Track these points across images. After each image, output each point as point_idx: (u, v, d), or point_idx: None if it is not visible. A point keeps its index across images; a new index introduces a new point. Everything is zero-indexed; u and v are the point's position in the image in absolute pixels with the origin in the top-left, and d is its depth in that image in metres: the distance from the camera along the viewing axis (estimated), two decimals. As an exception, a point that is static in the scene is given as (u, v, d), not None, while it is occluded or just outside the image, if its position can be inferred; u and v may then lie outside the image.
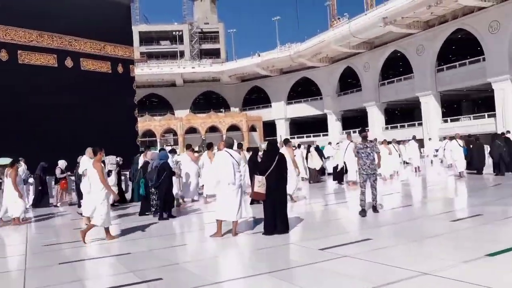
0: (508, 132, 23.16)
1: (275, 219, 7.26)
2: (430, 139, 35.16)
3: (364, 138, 8.89)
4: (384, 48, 45.79)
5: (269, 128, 59.08)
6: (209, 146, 13.31)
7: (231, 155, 7.40)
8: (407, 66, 43.91)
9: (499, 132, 35.48)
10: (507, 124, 35.27)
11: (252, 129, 57.80)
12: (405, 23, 39.84)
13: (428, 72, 41.23)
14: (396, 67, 46.90)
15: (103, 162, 8.89)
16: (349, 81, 53.19)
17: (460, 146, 16.18)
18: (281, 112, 59.22)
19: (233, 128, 56.13)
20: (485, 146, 18.39)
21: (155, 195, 10.27)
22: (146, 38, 74.81)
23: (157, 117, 57.57)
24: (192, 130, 56.06)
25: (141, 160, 12.14)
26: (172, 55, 70.00)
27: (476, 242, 6.00)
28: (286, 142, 12.21)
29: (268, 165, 7.39)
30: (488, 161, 17.60)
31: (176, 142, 54.76)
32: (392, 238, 6.69)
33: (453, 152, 16.43)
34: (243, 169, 8.34)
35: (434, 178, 18.23)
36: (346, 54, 49.83)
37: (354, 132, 47.33)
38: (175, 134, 56.69)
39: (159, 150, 11.93)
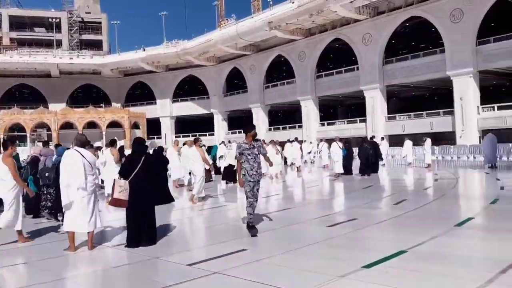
0: (374, 137, 25.32)
1: (139, 229, 6.32)
2: (311, 142, 36.50)
3: (253, 136, 7.48)
4: (269, 51, 46.76)
5: (154, 125, 56.96)
6: (113, 143, 12.12)
7: (82, 155, 6.32)
8: (290, 71, 45.35)
9: (369, 136, 38.75)
10: (375, 128, 38.17)
11: (135, 126, 55.18)
12: (289, 29, 41.03)
13: (309, 77, 43.01)
14: (280, 71, 48.27)
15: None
16: (235, 82, 53.48)
17: (340, 148, 16.78)
18: (166, 109, 57.47)
19: (114, 124, 52.98)
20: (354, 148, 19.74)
21: (48, 195, 9.22)
22: (18, 23, 67.58)
23: (28, 110, 52.00)
24: (68, 126, 51.70)
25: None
26: (48, 44, 64.00)
27: (352, 251, 5.74)
28: (196, 141, 11.82)
29: (133, 167, 6.39)
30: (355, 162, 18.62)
31: (50, 138, 49.94)
32: (268, 248, 6.16)
33: (333, 154, 17.06)
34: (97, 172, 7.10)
35: (312, 179, 18.62)
36: (233, 55, 50.00)
37: (240, 132, 48.09)
38: (49, 129, 51.76)
39: (55, 146, 10.92)
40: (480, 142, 31.72)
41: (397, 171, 21.01)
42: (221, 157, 20.19)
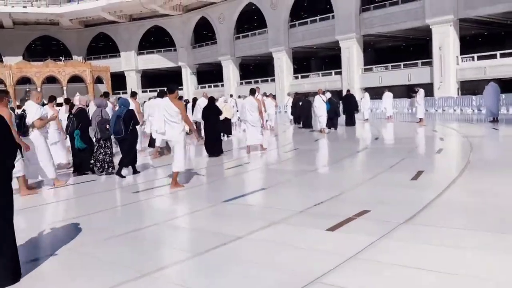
0: (348, 91, 23.79)
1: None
2: (288, 93, 34.41)
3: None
4: (239, -1, 43.51)
5: (118, 80, 53.37)
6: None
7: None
8: (262, 21, 42.46)
9: (344, 89, 37.04)
10: (351, 81, 36.41)
11: (99, 80, 51.49)
12: (260, -27, 37.91)
13: (282, 27, 40.35)
14: (252, 21, 45.19)
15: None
16: (204, 33, 50.12)
17: (324, 101, 15.21)
18: (131, 63, 53.78)
19: (76, 79, 49.10)
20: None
21: (103, 148, 8.92)
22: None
23: (-21, 64, 47.48)
24: (25, 81, 47.57)
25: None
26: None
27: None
28: (252, 92, 11.82)
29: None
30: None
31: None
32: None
33: (316, 108, 15.59)
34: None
35: (291, 136, 16.88)
36: (201, 3, 46.36)
37: (210, 86, 45.54)
38: (4, 84, 47.61)
39: (104, 95, 11.15)
40: (458, 94, 30.59)
41: (379, 125, 19.37)
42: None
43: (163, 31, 51.78)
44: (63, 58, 52.47)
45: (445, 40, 30.71)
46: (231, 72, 46.18)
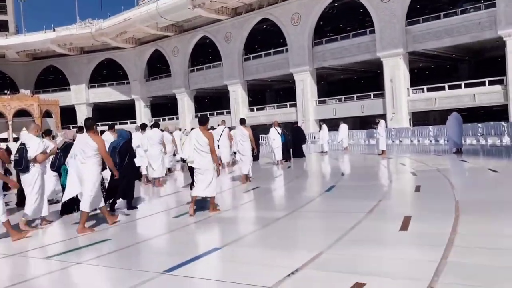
0: (296, 123, 23.22)
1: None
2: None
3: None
4: (193, 32, 42.37)
5: (69, 114, 50.34)
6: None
7: None
8: (217, 54, 41.41)
9: (299, 120, 36.23)
10: (306, 113, 35.69)
11: (47, 114, 48.28)
12: (213, 7, 37.04)
13: (236, 60, 39.45)
14: (206, 54, 44.07)
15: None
16: (158, 66, 48.44)
17: (279, 133, 13.99)
18: (82, 96, 50.97)
19: (23, 113, 45.85)
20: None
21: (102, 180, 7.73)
22: None
23: None
24: (-33, 115, 43.87)
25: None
26: None
27: None
28: (242, 122, 11.88)
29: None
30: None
31: None
32: None
33: (271, 140, 14.60)
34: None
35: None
36: (155, 36, 44.88)
37: (164, 119, 43.50)
38: None
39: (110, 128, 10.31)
40: (410, 125, 30.36)
41: (339, 158, 18.17)
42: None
43: (116, 64, 49.66)
44: (8, 92, 48.89)
45: (396, 72, 30.67)
46: (186, 104, 44.49)
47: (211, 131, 13.10)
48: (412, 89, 31.01)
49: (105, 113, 51.35)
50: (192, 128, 9.88)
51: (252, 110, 40.53)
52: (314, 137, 31.46)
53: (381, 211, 6.93)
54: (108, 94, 50.51)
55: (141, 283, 4.31)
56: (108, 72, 51.27)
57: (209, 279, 4.24)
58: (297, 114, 36.25)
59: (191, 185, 9.95)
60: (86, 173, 6.67)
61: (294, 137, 17.64)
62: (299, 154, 18.02)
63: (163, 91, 46.74)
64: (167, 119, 45.22)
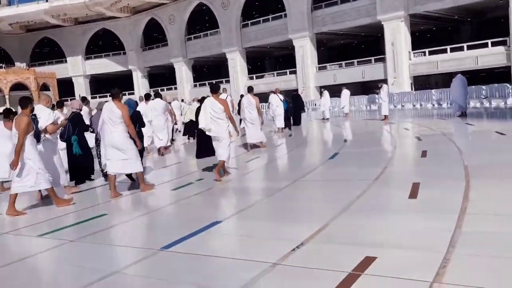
0: (296, 91, 22.75)
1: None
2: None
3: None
4: (189, -1, 41.15)
5: (66, 86, 49.55)
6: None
7: None
8: (214, 21, 40.36)
9: (300, 88, 35.69)
10: (306, 80, 35.09)
11: (44, 88, 47.48)
12: (209, -28, 35.83)
13: (234, 27, 38.46)
14: (203, 21, 42.97)
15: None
16: (154, 35, 47.31)
17: (281, 100, 13.65)
18: (78, 68, 50.09)
19: (19, 87, 45.05)
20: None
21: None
22: None
23: None
24: (-39, 90, 43.19)
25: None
26: None
27: None
28: (250, 90, 11.95)
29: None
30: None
31: None
32: None
33: (274, 107, 14.33)
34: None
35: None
36: (150, 4, 43.61)
37: (162, 90, 42.86)
38: None
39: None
40: (412, 89, 29.84)
41: (341, 124, 17.82)
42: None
43: (111, 34, 48.52)
44: (3, 65, 48.04)
45: (397, 36, 29.89)
46: (184, 74, 43.76)
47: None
48: (414, 53, 30.33)
49: (103, 85, 50.64)
50: (202, 98, 9.63)
51: (251, 78, 39.86)
52: (315, 104, 31.02)
53: (387, 179, 6.67)
54: (105, 65, 49.62)
55: (137, 261, 4.08)
56: (104, 42, 50.21)
57: (209, 255, 4.01)
58: (297, 81, 35.67)
59: (198, 153, 10.42)
60: (118, 140, 6.89)
61: (293, 105, 17.31)
62: (298, 122, 17.85)
63: (160, 61, 45.88)
64: (165, 89, 44.58)
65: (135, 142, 7.06)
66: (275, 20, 36.52)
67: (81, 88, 49.51)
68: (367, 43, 39.36)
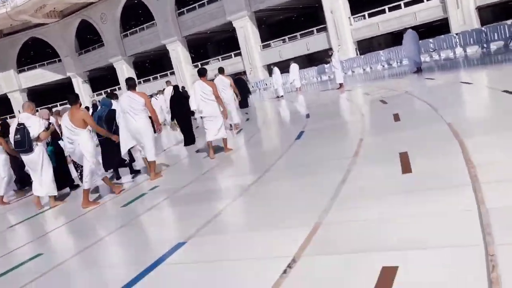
0: (239, 74, 21.82)
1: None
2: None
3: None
4: (118, -6, 38.65)
5: (2, 104, 45.95)
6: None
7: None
8: (149, 14, 38.18)
9: (247, 69, 34.60)
10: (252, 60, 34.02)
11: (-21, 108, 43.79)
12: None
13: (170, 17, 36.53)
14: (137, 15, 40.58)
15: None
16: (89, 37, 44.35)
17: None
18: (12, 83, 46.25)
19: None
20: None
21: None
22: None
23: None
24: None
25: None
26: None
27: None
28: (221, 71, 11.31)
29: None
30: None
31: None
32: None
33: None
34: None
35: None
36: (78, 6, 40.64)
37: (106, 92, 40.43)
38: None
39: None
40: (357, 54, 29.44)
41: (296, 100, 16.90)
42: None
43: (43, 42, 45.02)
44: None
45: (335, 3, 29.27)
46: (125, 72, 41.35)
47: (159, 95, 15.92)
48: (354, 18, 29.83)
49: (43, 96, 47.16)
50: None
51: (196, 66, 38.15)
52: (266, 84, 30.07)
53: (367, 152, 5.75)
54: (41, 75, 46.14)
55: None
56: (36, 52, 46.61)
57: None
58: (244, 63, 34.49)
59: (185, 141, 10.63)
60: (143, 126, 7.12)
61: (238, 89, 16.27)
62: (245, 104, 17.20)
63: (98, 63, 43.17)
64: (109, 91, 42.10)
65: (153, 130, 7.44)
66: (211, 4, 34.93)
67: (19, 103, 45.79)
68: (306, 15, 38.58)
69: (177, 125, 11.58)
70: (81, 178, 7.78)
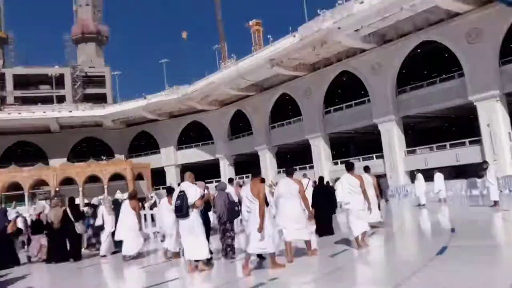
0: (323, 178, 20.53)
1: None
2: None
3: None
4: (273, 90, 42.78)
5: (158, 175, 52.42)
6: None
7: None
8: (297, 109, 41.17)
9: (388, 172, 33.94)
10: (394, 164, 33.43)
11: (139, 177, 50.61)
12: (292, 65, 37.23)
13: (317, 114, 38.76)
14: (286, 110, 44.08)
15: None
16: (240, 125, 49.27)
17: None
18: (170, 158, 53.04)
19: (117, 177, 48.52)
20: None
21: (229, 232, 9.31)
22: (22, 82, 65.02)
23: (26, 168, 47.50)
24: (68, 181, 47.25)
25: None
26: (52, 100, 60.66)
27: None
28: (367, 170, 12.05)
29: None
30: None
31: (49, 195, 45.42)
32: None
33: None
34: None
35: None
36: (236, 97, 46.05)
37: (247, 177, 43.35)
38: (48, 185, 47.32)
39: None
40: (516, 172, 26.79)
41: (440, 212, 15.89)
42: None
43: (201, 125, 51.46)
44: (105, 157, 52.47)
45: (493, 116, 27.81)
46: (268, 161, 44.20)
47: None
48: (514, 133, 27.75)
49: (192, 173, 52.47)
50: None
51: (335, 163, 38.98)
52: (407, 189, 28.99)
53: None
54: (195, 154, 52.00)
55: None
56: (194, 133, 53.18)
57: None
58: (385, 166, 34.06)
59: (321, 231, 11.23)
60: (299, 211, 8.08)
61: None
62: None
63: (245, 149, 47.09)
64: (250, 176, 44.93)
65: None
66: (358, 106, 36.26)
67: (172, 177, 51.81)
68: (459, 126, 37.20)
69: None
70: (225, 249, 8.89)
